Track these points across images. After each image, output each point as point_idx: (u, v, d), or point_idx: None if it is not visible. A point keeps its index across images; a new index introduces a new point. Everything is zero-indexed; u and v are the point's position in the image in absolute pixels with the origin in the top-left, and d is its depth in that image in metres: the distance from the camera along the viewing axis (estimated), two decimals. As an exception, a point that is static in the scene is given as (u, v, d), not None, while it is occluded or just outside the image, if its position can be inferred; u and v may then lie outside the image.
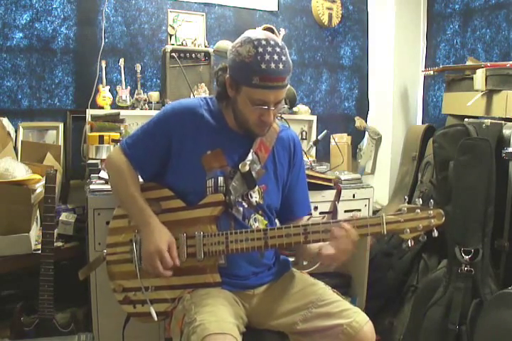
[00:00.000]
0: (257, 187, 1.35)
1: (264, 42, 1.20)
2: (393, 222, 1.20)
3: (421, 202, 1.23)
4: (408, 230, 1.20)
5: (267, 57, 1.18)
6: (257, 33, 1.24)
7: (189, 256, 1.29)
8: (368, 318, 1.25)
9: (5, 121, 2.09)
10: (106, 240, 1.45)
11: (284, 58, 1.21)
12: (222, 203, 1.31)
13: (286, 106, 1.35)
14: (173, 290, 1.32)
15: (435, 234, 1.20)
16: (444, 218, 1.21)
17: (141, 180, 1.42)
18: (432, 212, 1.21)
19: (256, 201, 1.36)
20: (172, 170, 1.36)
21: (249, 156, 1.34)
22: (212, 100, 1.39)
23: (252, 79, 1.19)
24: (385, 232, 1.21)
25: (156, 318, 1.29)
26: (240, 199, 1.34)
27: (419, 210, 1.21)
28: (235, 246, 1.26)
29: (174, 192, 1.35)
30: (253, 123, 1.29)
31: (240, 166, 1.32)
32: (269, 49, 1.19)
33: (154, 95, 2.37)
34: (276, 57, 1.19)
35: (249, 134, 1.35)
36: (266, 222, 1.39)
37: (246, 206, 1.34)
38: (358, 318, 1.23)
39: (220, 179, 1.32)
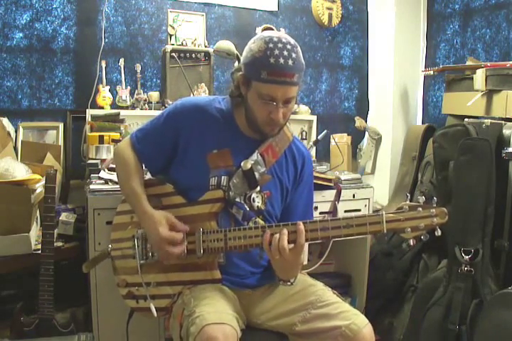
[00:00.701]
0: (258, 188, 1.34)
1: (275, 39, 1.21)
2: (393, 220, 1.16)
3: (424, 200, 1.18)
4: (409, 229, 1.15)
5: (277, 52, 1.19)
6: (272, 32, 1.25)
7: (189, 253, 1.29)
8: (367, 321, 1.24)
9: (5, 121, 2.09)
10: (110, 236, 1.46)
11: (294, 55, 1.21)
12: (222, 200, 1.31)
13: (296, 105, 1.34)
14: (173, 286, 1.33)
15: (438, 232, 1.16)
16: (447, 217, 1.16)
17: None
18: (434, 210, 1.15)
19: (258, 206, 1.34)
20: (177, 165, 1.37)
21: (254, 156, 1.34)
22: (224, 100, 1.39)
23: (260, 73, 1.20)
24: (385, 231, 1.17)
25: (155, 314, 1.29)
26: (242, 201, 1.33)
27: (421, 208, 1.15)
28: (233, 243, 1.25)
29: (177, 188, 1.36)
30: (262, 121, 1.28)
31: (242, 163, 1.32)
32: (280, 45, 1.20)
33: (154, 95, 2.37)
34: (286, 53, 1.19)
35: (258, 135, 1.34)
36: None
37: (247, 209, 1.34)
38: (357, 320, 1.22)
39: (224, 178, 1.32)
